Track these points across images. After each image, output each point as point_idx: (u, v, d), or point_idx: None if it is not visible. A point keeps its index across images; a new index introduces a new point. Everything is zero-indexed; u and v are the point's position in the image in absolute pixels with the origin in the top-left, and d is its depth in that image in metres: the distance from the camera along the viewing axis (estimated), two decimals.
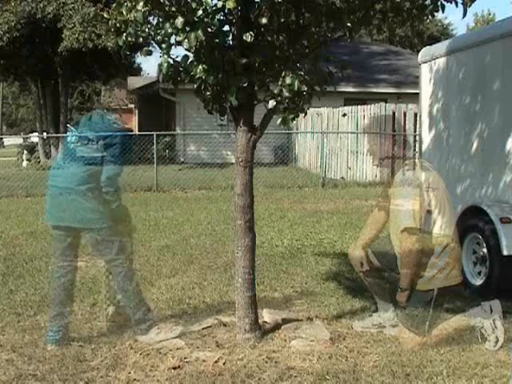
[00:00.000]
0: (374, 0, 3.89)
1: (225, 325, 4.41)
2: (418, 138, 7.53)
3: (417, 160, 4.83)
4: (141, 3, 3.67)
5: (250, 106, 4.06)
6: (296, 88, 3.67)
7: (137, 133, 22.28)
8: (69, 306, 4.31)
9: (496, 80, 5.65)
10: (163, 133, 17.27)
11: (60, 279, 4.26)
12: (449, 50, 6.43)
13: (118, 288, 4.28)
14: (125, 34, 3.84)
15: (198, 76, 3.71)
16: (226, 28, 3.82)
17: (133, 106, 34.95)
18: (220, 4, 3.55)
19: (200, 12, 3.50)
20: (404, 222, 4.13)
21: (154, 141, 14.57)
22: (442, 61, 6.55)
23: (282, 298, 5.33)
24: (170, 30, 3.65)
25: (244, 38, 3.66)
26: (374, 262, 4.47)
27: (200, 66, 3.68)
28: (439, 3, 3.90)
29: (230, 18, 3.80)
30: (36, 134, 25.16)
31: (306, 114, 4.08)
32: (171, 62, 3.77)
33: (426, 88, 6.89)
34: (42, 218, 10.03)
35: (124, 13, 3.77)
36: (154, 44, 3.90)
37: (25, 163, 22.53)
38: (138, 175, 14.10)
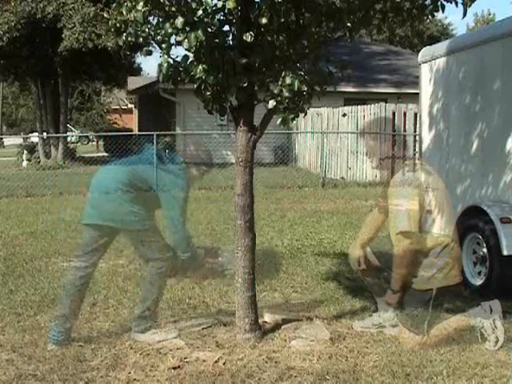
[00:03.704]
0: (374, 0, 3.89)
1: (225, 325, 4.41)
2: (417, 137, 7.52)
3: (417, 161, 4.83)
4: (141, 3, 3.67)
5: (250, 105, 4.07)
6: (296, 88, 3.67)
7: (137, 133, 22.30)
8: (77, 309, 4.30)
9: (496, 80, 5.65)
10: (163, 133, 17.26)
11: (75, 280, 4.25)
12: (449, 50, 6.43)
13: (149, 282, 4.29)
14: (125, 34, 3.84)
15: (198, 76, 3.71)
16: (226, 28, 3.82)
17: (133, 106, 34.99)
18: (220, 4, 3.55)
19: (200, 12, 3.50)
20: (399, 225, 4.12)
21: (154, 141, 14.56)
22: (442, 61, 6.55)
23: (281, 298, 5.33)
24: (169, 30, 3.65)
25: (244, 38, 3.66)
26: (373, 261, 4.48)
27: (200, 66, 3.68)
28: (439, 3, 3.90)
29: (230, 18, 3.80)
30: (36, 134, 25.14)
31: (305, 114, 4.08)
32: (171, 61, 3.77)
33: (426, 88, 6.89)
34: (43, 218, 10.06)
35: (124, 13, 3.77)
36: (154, 44, 3.90)
37: (25, 163, 22.51)
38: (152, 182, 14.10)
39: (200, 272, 4.48)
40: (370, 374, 3.65)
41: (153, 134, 13.64)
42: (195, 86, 3.85)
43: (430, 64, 6.77)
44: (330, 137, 16.68)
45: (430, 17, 4.05)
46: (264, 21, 3.63)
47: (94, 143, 38.79)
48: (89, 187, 4.37)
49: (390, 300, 4.27)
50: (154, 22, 3.81)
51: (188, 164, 4.42)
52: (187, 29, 3.57)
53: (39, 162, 21.99)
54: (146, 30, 3.79)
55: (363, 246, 4.49)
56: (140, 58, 52.67)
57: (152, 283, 4.28)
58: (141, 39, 3.83)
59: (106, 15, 3.93)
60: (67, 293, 4.27)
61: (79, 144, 37.02)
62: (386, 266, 4.46)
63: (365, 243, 4.50)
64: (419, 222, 4.15)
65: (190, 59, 3.74)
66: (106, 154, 24.02)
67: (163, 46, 3.76)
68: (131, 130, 28.82)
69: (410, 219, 4.10)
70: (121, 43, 3.91)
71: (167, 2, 3.68)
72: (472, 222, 5.55)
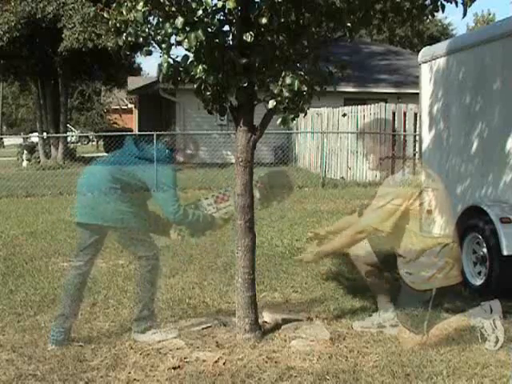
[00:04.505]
0: (374, 0, 3.89)
1: (225, 325, 4.41)
2: (417, 137, 7.52)
3: (417, 161, 4.84)
4: (141, 3, 3.67)
5: (250, 105, 4.07)
6: (296, 88, 3.67)
7: (137, 133, 22.30)
8: (76, 308, 4.30)
9: (496, 80, 5.65)
10: (163, 133, 17.27)
11: (74, 279, 4.26)
12: (449, 50, 6.42)
13: (141, 280, 4.31)
14: (125, 34, 3.84)
15: (198, 76, 3.71)
16: (226, 28, 3.82)
17: (133, 106, 34.98)
18: (220, 4, 3.55)
19: (200, 12, 3.50)
20: (371, 220, 4.17)
21: (154, 141, 14.55)
22: (442, 61, 6.55)
23: (281, 298, 5.33)
24: (169, 30, 3.65)
25: (244, 38, 3.66)
26: (374, 261, 4.47)
27: (200, 66, 3.68)
28: (439, 3, 3.90)
29: (230, 18, 3.80)
30: (36, 134, 25.16)
31: (305, 114, 4.08)
32: (171, 61, 3.77)
33: (426, 88, 6.89)
34: (43, 218, 10.06)
35: (124, 13, 3.77)
36: (154, 44, 3.90)
37: (25, 163, 22.52)
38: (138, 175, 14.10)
39: (216, 223, 4.48)
40: (370, 373, 3.65)
41: (153, 134, 13.63)
42: (195, 85, 3.85)
43: (429, 64, 6.77)
44: (330, 137, 16.67)
45: (430, 17, 4.05)
46: (264, 21, 3.63)
47: (94, 143, 38.80)
48: (76, 187, 4.40)
49: (307, 258, 4.41)
50: (154, 22, 3.81)
51: (173, 152, 4.43)
52: (187, 29, 3.57)
53: (39, 161, 21.99)
54: (146, 30, 3.79)
55: (319, 237, 4.59)
56: (140, 58, 52.72)
57: (143, 281, 4.29)
58: (141, 39, 3.83)
59: (105, 15, 3.93)
60: (66, 292, 4.27)
61: (79, 144, 37.03)
62: (387, 266, 4.47)
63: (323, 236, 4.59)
64: (399, 221, 4.16)
65: (190, 59, 3.74)
66: (106, 154, 24.01)
67: (163, 45, 3.76)
68: (131, 130, 28.82)
69: (383, 216, 4.14)
70: (121, 43, 3.91)
71: (167, 2, 3.68)
72: (472, 221, 5.55)
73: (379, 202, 4.20)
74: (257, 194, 4.36)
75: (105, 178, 4.21)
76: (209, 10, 3.52)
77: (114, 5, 3.83)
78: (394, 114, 14.93)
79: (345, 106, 17.69)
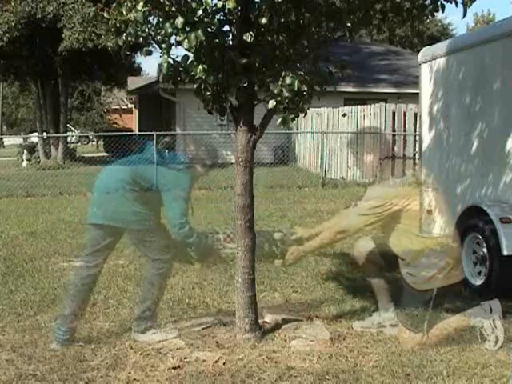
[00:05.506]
0: (374, 0, 3.89)
1: (225, 325, 4.41)
2: (417, 137, 7.51)
3: (417, 161, 4.86)
4: (141, 3, 3.67)
5: (250, 105, 4.07)
6: (296, 88, 3.67)
7: (137, 133, 22.30)
8: (79, 309, 4.30)
9: (496, 80, 5.65)
10: (163, 133, 17.26)
11: (77, 281, 4.27)
12: (449, 50, 6.42)
13: (149, 281, 4.31)
14: (125, 34, 3.84)
15: (198, 76, 3.71)
16: (226, 28, 3.82)
17: (133, 106, 34.99)
18: (220, 4, 3.56)
19: (200, 12, 3.51)
20: (353, 221, 4.18)
21: (154, 141, 14.56)
22: (442, 61, 6.55)
23: (282, 298, 5.33)
24: (169, 30, 3.66)
25: (244, 38, 3.66)
26: (377, 260, 4.48)
27: (200, 66, 3.69)
28: (439, 3, 3.90)
29: (230, 17, 3.80)
30: (36, 133, 25.16)
31: (305, 114, 4.09)
32: (171, 61, 3.77)
33: (426, 88, 6.89)
34: (43, 218, 10.06)
35: (124, 13, 3.77)
36: (154, 44, 3.90)
37: (25, 163, 22.53)
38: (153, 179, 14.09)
39: (215, 256, 4.54)
40: (370, 373, 3.65)
41: (153, 134, 13.62)
42: (195, 86, 3.85)
43: (429, 64, 6.77)
44: (330, 137, 16.67)
45: (430, 17, 4.05)
46: (264, 21, 3.63)
47: (94, 143, 38.81)
48: (92, 187, 4.38)
49: (289, 255, 4.42)
50: (154, 22, 3.81)
51: (192, 161, 4.42)
52: (187, 29, 3.57)
53: (39, 162, 22.00)
54: (146, 30, 3.80)
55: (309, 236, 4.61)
56: (140, 58, 52.73)
57: (152, 283, 4.29)
58: (141, 39, 3.84)
59: (105, 15, 3.93)
60: (69, 293, 4.28)
61: (79, 144, 37.04)
62: (387, 266, 4.48)
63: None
64: (389, 221, 4.20)
65: (190, 59, 3.74)
66: (106, 154, 24.04)
67: (163, 45, 3.76)
68: (131, 130, 28.83)
69: (367, 218, 4.19)
70: (121, 43, 3.91)
71: (167, 2, 3.68)
72: (472, 221, 5.55)
73: (372, 203, 4.20)
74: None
75: (122, 180, 4.21)
76: (209, 10, 3.52)
77: (114, 5, 3.83)
78: (393, 113, 14.93)
79: (345, 106, 17.68)
